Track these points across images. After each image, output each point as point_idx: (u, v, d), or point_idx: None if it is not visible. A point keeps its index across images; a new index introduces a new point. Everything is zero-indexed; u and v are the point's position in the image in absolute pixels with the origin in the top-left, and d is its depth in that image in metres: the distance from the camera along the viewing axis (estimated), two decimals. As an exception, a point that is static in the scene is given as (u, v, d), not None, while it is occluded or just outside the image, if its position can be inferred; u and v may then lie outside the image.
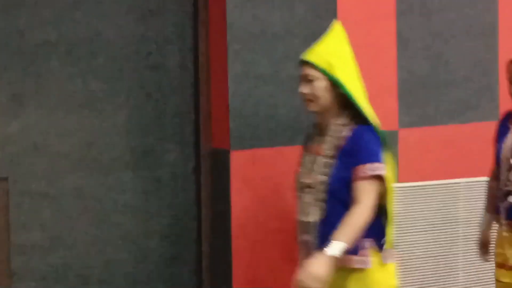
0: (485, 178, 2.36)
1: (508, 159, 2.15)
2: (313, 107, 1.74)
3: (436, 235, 2.68)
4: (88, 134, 2.36)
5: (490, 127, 2.33)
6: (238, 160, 2.30)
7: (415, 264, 2.65)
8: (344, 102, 1.71)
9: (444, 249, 2.72)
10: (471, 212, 2.66)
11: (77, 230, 2.34)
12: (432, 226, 2.66)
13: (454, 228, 2.71)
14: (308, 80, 1.74)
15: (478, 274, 2.72)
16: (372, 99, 1.84)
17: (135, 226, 2.44)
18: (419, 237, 2.65)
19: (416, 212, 2.61)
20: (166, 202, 2.46)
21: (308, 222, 1.76)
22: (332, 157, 1.71)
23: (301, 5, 2.38)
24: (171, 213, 2.48)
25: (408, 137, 2.63)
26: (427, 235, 2.66)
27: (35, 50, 2.26)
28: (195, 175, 2.48)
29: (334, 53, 1.79)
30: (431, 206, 2.65)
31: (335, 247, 1.56)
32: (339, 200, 1.69)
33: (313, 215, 1.74)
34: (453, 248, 2.71)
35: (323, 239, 1.65)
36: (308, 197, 1.77)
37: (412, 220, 2.61)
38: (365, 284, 1.70)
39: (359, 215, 1.61)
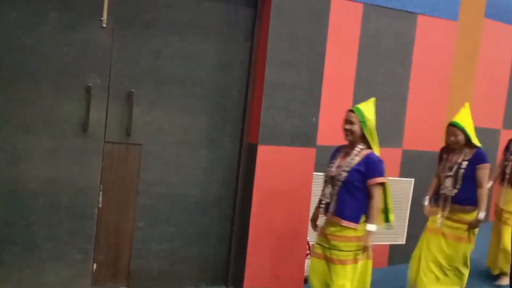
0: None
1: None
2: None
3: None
4: (186, 126, 4.21)
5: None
6: (262, 150, 4.21)
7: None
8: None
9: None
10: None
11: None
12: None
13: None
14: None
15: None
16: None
17: (205, 174, 4.29)
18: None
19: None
20: (223, 166, 4.36)
21: None
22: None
23: (305, 71, 4.31)
24: (225, 172, 4.36)
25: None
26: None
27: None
28: (239, 154, 4.39)
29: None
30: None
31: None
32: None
33: None
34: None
35: None
36: None
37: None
38: None
39: None
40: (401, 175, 5.29)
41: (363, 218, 3.51)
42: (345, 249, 3.47)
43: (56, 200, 3.88)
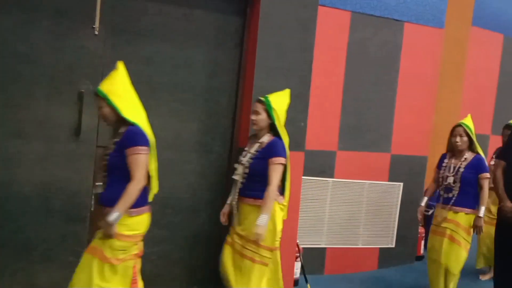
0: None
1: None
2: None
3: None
4: (177, 131, 4.30)
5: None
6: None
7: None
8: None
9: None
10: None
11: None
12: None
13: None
14: None
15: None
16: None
17: (196, 178, 4.37)
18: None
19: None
20: (213, 170, 4.45)
21: None
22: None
23: (293, 77, 4.41)
24: (215, 176, 4.44)
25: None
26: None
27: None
28: (228, 159, 4.48)
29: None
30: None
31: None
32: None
33: None
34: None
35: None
36: None
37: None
38: None
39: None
40: (390, 179, 5.38)
41: None
42: None
43: (48, 204, 3.95)
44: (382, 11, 5.11)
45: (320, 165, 4.99)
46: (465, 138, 4.40)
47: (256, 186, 3.47)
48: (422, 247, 5.81)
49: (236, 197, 3.59)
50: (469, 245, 4.42)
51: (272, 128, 3.59)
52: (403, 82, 5.34)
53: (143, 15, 4.14)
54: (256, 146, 3.59)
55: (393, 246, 5.43)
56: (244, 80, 4.41)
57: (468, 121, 4.50)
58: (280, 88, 4.29)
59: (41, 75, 3.89)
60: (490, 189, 4.43)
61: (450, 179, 4.40)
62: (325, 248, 5.11)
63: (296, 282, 4.76)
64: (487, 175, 4.37)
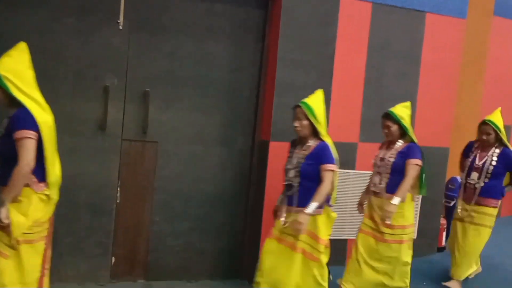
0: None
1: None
2: None
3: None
4: (200, 125, 4.35)
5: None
6: (274, 147, 4.34)
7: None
8: None
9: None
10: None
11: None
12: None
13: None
14: None
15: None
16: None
17: (219, 171, 4.43)
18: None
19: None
20: (236, 163, 4.49)
21: None
22: None
23: (315, 70, 4.42)
24: (238, 168, 4.49)
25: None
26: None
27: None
28: (251, 151, 4.53)
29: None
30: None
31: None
32: None
33: None
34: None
35: None
36: None
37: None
38: None
39: None
40: (411, 171, 5.35)
41: None
42: None
43: (75, 197, 4.03)
44: (404, 2, 5.06)
45: (341, 156, 4.97)
46: (305, 122, 3.49)
47: (7, 171, 2.68)
48: (444, 238, 5.80)
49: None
50: (327, 256, 3.72)
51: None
52: (424, 74, 5.29)
53: (165, 10, 4.18)
54: (4, 123, 2.79)
55: (415, 237, 5.42)
56: (266, 73, 4.43)
57: (311, 101, 3.56)
58: (302, 81, 4.33)
59: (67, 71, 3.96)
60: None
61: (291, 173, 3.56)
62: (346, 239, 5.13)
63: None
64: (329, 166, 3.45)
